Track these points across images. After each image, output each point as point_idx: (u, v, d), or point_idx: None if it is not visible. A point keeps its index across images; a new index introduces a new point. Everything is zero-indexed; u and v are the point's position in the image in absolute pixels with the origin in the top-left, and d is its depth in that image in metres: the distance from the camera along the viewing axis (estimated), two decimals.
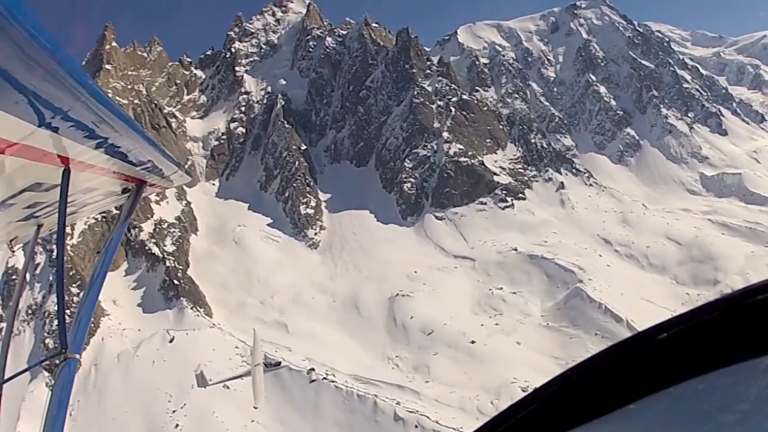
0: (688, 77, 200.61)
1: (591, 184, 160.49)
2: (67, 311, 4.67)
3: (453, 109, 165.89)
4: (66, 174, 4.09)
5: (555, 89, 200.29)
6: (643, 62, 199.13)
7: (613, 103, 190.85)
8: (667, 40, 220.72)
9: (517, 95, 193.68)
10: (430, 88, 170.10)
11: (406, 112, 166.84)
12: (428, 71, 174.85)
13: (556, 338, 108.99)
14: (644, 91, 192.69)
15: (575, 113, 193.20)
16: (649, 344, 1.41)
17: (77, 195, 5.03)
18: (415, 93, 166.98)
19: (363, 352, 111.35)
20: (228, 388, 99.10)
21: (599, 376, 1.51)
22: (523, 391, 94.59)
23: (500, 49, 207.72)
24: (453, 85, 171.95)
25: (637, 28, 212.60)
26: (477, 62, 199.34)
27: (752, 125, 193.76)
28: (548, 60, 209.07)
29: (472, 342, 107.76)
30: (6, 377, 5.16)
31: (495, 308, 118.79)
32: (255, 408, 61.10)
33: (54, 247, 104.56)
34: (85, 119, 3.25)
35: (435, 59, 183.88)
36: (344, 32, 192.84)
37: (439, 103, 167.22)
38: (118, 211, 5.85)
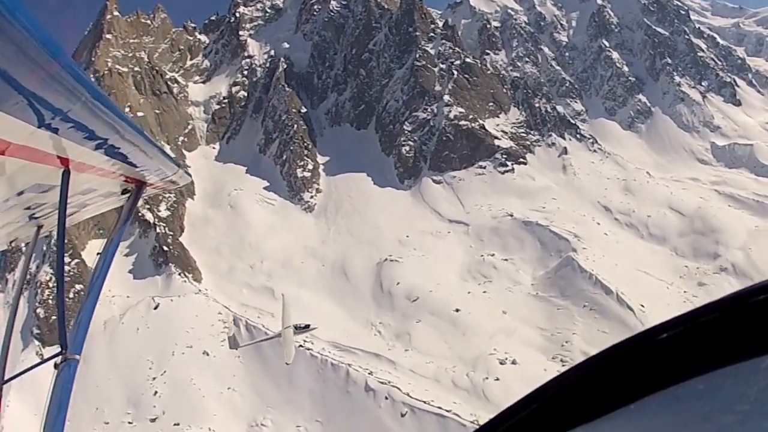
0: (704, 46, 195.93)
1: (595, 150, 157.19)
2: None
3: (455, 73, 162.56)
4: (66, 175, 4.04)
5: (567, 54, 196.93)
6: (658, 29, 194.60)
7: (626, 69, 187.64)
8: (685, 8, 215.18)
9: (527, 59, 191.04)
10: (433, 51, 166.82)
11: (408, 74, 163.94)
12: (432, 34, 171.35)
13: (544, 308, 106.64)
14: (658, 59, 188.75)
15: (587, 78, 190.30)
16: (649, 344, 1.41)
17: (77, 196, 4.93)
18: (417, 56, 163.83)
19: (348, 318, 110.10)
20: (207, 355, 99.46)
21: (600, 376, 1.50)
22: (501, 363, 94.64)
23: (512, 13, 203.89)
24: (457, 48, 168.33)
25: None
26: (488, 25, 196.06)
27: (767, 96, 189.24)
28: (561, 24, 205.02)
29: (457, 310, 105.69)
30: (6, 377, 5.15)
31: (485, 275, 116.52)
32: (287, 364, 61.68)
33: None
34: (85, 120, 3.26)
35: (440, 22, 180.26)
36: None
37: (441, 66, 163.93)
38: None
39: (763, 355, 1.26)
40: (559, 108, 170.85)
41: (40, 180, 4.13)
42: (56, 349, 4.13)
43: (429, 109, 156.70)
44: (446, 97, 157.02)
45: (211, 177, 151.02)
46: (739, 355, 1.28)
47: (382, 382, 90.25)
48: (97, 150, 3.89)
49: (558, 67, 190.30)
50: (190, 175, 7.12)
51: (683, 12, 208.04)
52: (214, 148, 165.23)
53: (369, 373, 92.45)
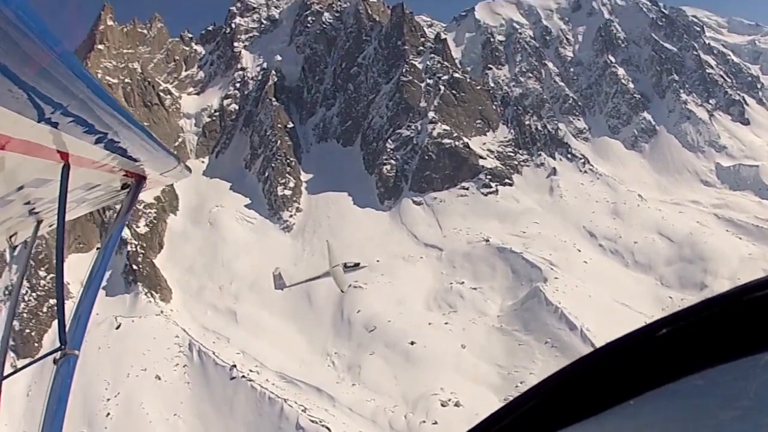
0: (713, 63, 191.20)
1: (586, 171, 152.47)
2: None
3: (442, 88, 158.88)
4: (65, 169, 4.06)
5: (572, 69, 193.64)
6: (666, 45, 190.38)
7: (631, 85, 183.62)
8: (700, 24, 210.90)
9: (531, 74, 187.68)
10: (421, 66, 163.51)
11: (393, 90, 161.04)
12: (421, 48, 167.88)
13: (505, 343, 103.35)
14: (664, 75, 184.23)
15: (591, 95, 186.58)
16: (649, 340, 1.41)
17: (77, 191, 4.95)
18: (404, 71, 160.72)
19: (305, 345, 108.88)
20: (159, 379, 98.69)
21: (599, 372, 1.50)
22: (442, 405, 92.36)
23: (518, 27, 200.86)
24: (445, 63, 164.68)
25: (662, 9, 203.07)
26: (492, 39, 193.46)
27: None
28: (567, 39, 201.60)
29: (412, 343, 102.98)
30: (5, 374, 5.19)
31: (450, 305, 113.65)
32: (342, 291, 71.00)
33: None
34: (85, 114, 3.29)
35: (432, 35, 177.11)
36: (344, 6, 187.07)
37: (428, 81, 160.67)
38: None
39: (762, 351, 1.26)
40: (551, 126, 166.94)
41: (40, 175, 4.11)
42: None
43: (413, 127, 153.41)
44: (431, 114, 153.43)
45: (196, 192, 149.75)
46: (738, 351, 1.29)
47: (313, 421, 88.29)
48: (96, 144, 3.87)
49: (562, 83, 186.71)
50: (189, 170, 6.76)
51: (694, 27, 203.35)
52: (203, 161, 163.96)
53: (303, 410, 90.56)
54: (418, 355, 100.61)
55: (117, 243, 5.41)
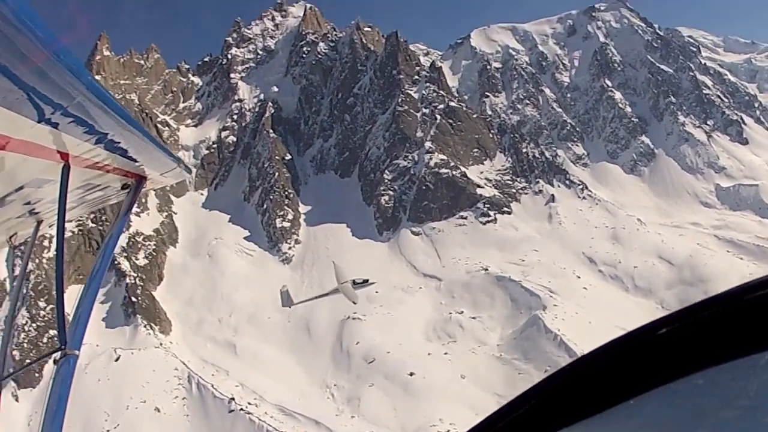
0: (710, 83, 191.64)
1: (584, 197, 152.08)
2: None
3: (438, 117, 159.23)
4: (66, 170, 4.14)
5: (569, 95, 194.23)
6: (662, 67, 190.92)
7: (629, 109, 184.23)
8: (696, 44, 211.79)
9: (528, 101, 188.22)
10: (416, 95, 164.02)
11: (389, 120, 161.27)
12: (416, 77, 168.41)
13: (505, 372, 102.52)
14: (661, 98, 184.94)
15: (588, 120, 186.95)
16: (649, 340, 1.41)
17: (77, 191, 5.06)
18: (400, 100, 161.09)
19: (305, 377, 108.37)
20: (159, 411, 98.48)
21: (599, 372, 1.51)
22: None
23: (514, 53, 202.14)
24: (441, 92, 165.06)
25: (658, 31, 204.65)
26: (488, 66, 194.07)
27: None
28: (563, 64, 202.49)
29: (411, 374, 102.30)
30: (5, 374, 5.33)
31: (450, 335, 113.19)
32: (354, 303, 67.31)
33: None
34: (85, 115, 3.33)
35: (427, 63, 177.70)
36: (340, 36, 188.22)
37: (424, 110, 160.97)
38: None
39: (762, 350, 1.26)
40: (549, 153, 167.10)
41: (40, 175, 4.21)
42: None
43: (410, 157, 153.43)
44: (428, 144, 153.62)
45: (195, 225, 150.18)
46: (738, 351, 1.28)
47: None
48: (96, 145, 3.92)
49: (559, 109, 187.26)
50: (189, 170, 9.15)
51: (690, 48, 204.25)
52: (202, 194, 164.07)
53: None
54: (418, 386, 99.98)
55: (117, 243, 5.48)
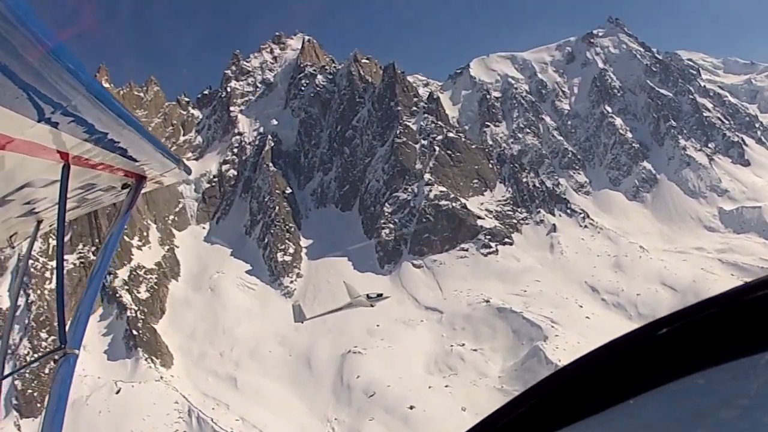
0: (709, 105, 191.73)
1: (586, 226, 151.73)
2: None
3: (437, 149, 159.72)
4: (66, 169, 4.12)
5: (569, 122, 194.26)
6: (661, 91, 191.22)
7: (629, 135, 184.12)
8: (696, 67, 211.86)
9: (528, 130, 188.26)
10: (414, 127, 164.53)
11: (388, 152, 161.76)
12: (414, 108, 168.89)
13: None
14: (662, 122, 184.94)
15: (589, 147, 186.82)
16: (649, 339, 1.42)
17: (77, 191, 5.06)
18: (398, 132, 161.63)
19: (305, 411, 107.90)
20: None
21: (599, 372, 1.51)
22: None
23: (513, 82, 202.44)
24: (439, 123, 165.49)
25: (656, 55, 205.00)
26: (488, 96, 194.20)
27: None
28: (563, 92, 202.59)
29: (411, 407, 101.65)
30: (5, 373, 5.32)
31: (451, 367, 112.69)
32: (372, 306, 73.82)
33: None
34: (85, 114, 3.31)
35: (426, 94, 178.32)
36: (338, 68, 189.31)
37: (423, 142, 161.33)
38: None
39: (762, 351, 1.27)
40: (551, 182, 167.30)
41: (40, 174, 4.17)
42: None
43: (409, 189, 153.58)
44: (427, 176, 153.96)
45: (198, 258, 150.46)
46: (738, 351, 1.29)
47: None
48: (96, 144, 3.90)
49: (560, 137, 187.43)
50: (190, 170, 6.62)
51: (690, 71, 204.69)
52: (204, 228, 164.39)
53: None
54: (418, 420, 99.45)
55: (117, 242, 5.46)
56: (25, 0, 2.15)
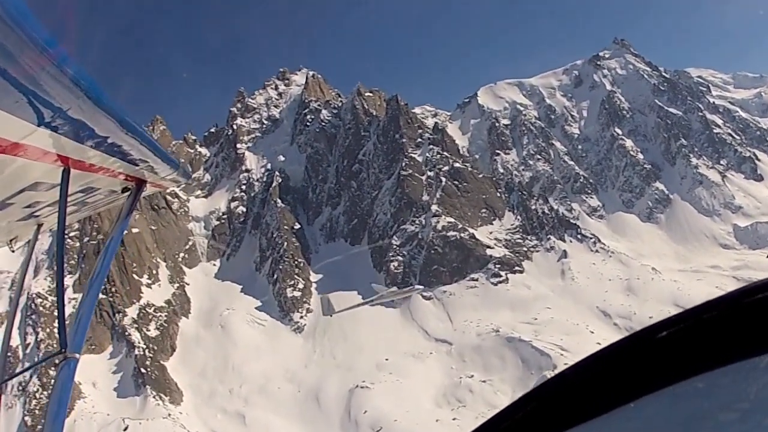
0: (720, 121, 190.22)
1: (597, 251, 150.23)
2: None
3: (444, 180, 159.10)
4: (66, 173, 4.16)
5: (580, 147, 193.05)
6: (670, 110, 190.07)
7: (641, 156, 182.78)
8: (706, 84, 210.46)
9: (539, 156, 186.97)
10: (420, 158, 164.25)
11: (395, 185, 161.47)
12: (420, 140, 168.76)
13: None
14: (672, 141, 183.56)
15: (601, 171, 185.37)
16: (649, 342, 1.42)
17: (77, 194, 5.10)
18: (404, 164, 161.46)
19: None
20: None
21: (599, 375, 1.51)
22: None
23: (522, 109, 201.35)
24: (445, 153, 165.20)
25: (664, 74, 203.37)
26: (497, 124, 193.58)
27: None
28: (572, 116, 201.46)
29: None
30: (6, 376, 5.41)
31: (459, 400, 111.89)
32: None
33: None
34: (85, 119, 3.34)
35: (431, 125, 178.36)
36: (342, 102, 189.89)
37: (429, 173, 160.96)
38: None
39: (762, 353, 1.26)
40: (564, 207, 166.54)
41: (41, 178, 4.20)
42: None
43: (417, 221, 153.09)
44: (434, 207, 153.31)
45: (209, 295, 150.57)
46: (738, 354, 1.28)
47: None
48: (97, 148, 3.95)
49: (571, 162, 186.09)
50: (189, 175, 6.85)
51: (699, 87, 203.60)
52: (214, 264, 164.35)
53: None
54: None
55: (117, 246, 5.46)
56: (26, 5, 2.15)
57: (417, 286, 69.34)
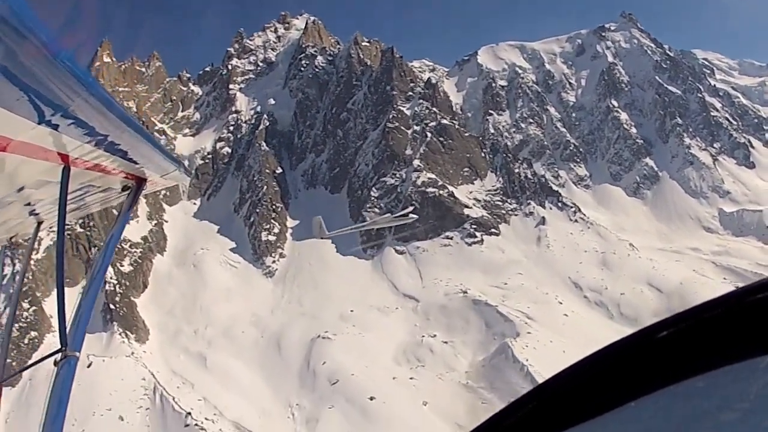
0: (718, 105, 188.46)
1: (576, 220, 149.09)
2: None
3: (429, 135, 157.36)
4: (66, 171, 4.16)
5: (574, 114, 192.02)
6: (670, 88, 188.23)
7: (634, 130, 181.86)
8: (710, 66, 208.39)
9: (532, 120, 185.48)
10: (409, 112, 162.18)
11: (379, 137, 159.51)
12: (410, 93, 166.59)
13: (469, 401, 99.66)
14: (668, 119, 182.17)
15: (592, 141, 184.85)
16: (649, 342, 1.42)
17: (77, 192, 5.11)
18: (391, 117, 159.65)
19: (270, 395, 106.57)
20: (122, 420, 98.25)
21: (599, 374, 1.51)
22: None
23: (520, 71, 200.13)
24: (434, 109, 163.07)
25: (668, 52, 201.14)
26: (493, 84, 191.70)
27: None
28: (570, 83, 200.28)
29: (371, 398, 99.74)
30: (5, 376, 5.43)
31: (419, 359, 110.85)
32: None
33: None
34: (86, 117, 3.35)
35: (424, 78, 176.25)
36: (339, 50, 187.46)
37: (415, 128, 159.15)
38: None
39: (762, 354, 1.27)
40: (551, 173, 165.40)
41: (41, 176, 4.25)
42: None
43: (398, 175, 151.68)
44: (416, 162, 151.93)
45: (185, 234, 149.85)
46: (738, 354, 1.29)
47: None
48: (97, 147, 3.95)
49: (563, 129, 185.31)
50: (191, 173, 7.44)
51: (703, 70, 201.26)
52: (194, 203, 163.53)
53: None
54: (377, 412, 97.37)
55: (117, 245, 5.48)
56: (26, 2, 2.14)
57: (412, 216, 67.92)
